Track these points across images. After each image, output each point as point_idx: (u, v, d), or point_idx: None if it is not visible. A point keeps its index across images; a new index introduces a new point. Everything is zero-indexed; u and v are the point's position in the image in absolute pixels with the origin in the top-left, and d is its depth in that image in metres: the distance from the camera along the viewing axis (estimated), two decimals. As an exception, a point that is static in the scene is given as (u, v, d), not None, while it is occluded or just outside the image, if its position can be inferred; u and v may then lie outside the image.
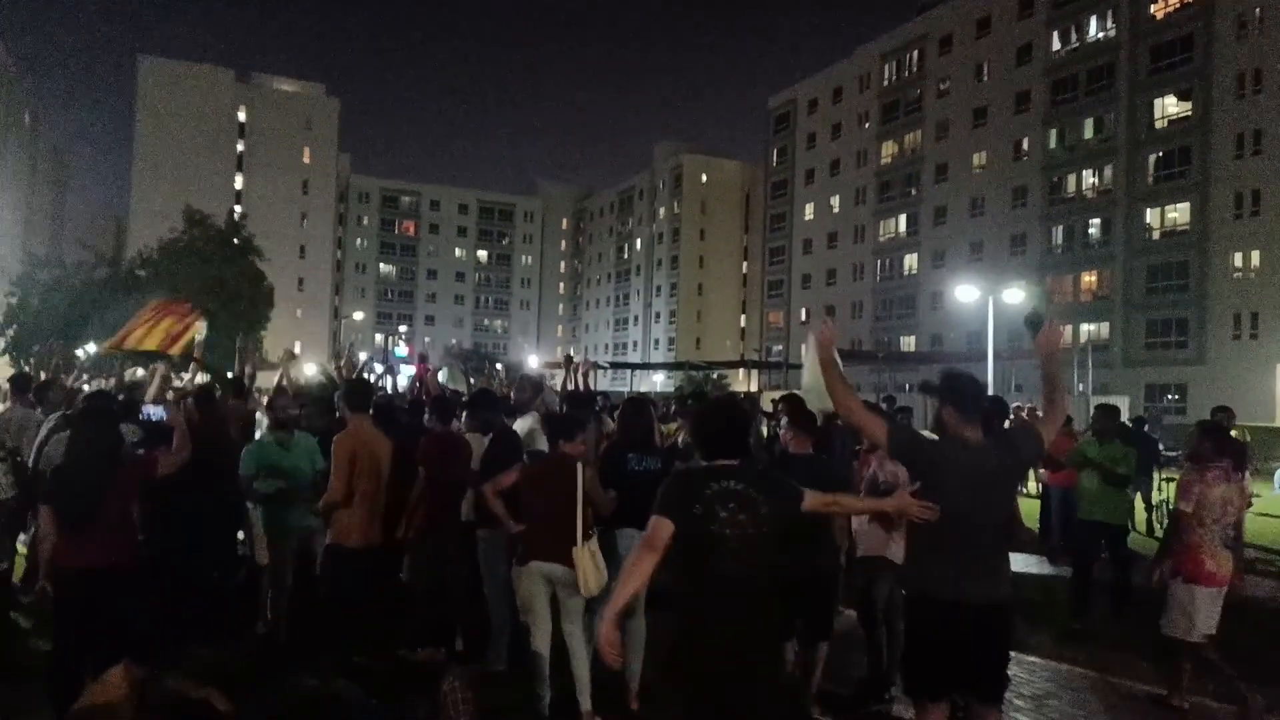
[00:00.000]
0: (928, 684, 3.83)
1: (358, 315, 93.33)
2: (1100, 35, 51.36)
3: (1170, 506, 7.88)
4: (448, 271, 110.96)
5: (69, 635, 4.62)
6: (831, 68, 73.97)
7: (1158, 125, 47.93)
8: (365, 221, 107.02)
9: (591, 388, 9.66)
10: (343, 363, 9.88)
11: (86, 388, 9.87)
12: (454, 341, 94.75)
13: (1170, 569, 5.69)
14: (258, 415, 8.07)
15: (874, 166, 68.23)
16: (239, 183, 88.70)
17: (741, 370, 50.29)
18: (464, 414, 6.91)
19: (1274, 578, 10.33)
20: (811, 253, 74.64)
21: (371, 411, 6.16)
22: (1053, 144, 53.56)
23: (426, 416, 6.87)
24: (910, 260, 64.69)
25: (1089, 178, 51.70)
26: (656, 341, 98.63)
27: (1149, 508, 13.43)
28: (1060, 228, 53.10)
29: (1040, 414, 4.28)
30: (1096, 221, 51.07)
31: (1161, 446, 16.63)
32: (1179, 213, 46.90)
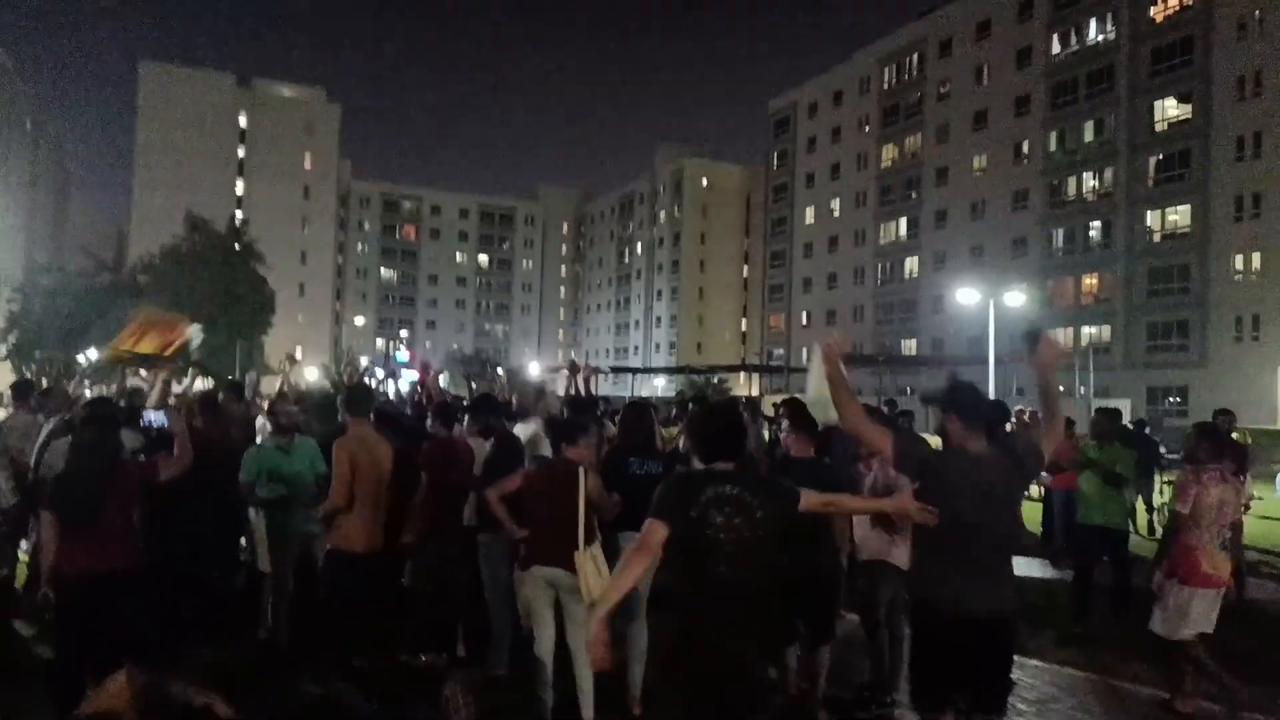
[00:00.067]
0: (933, 694, 3.84)
1: (359, 320, 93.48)
2: (1100, 38, 51.41)
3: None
4: (449, 276, 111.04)
5: (71, 641, 4.63)
6: (831, 71, 74.06)
7: (1158, 128, 47.95)
8: (366, 226, 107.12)
9: (593, 392, 9.65)
10: (345, 366, 9.91)
11: (88, 393, 9.87)
12: (455, 347, 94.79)
13: (1166, 570, 5.71)
14: (260, 421, 8.06)
15: (874, 170, 68.27)
16: (240, 188, 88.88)
17: (743, 374, 50.26)
18: (465, 418, 6.92)
19: (1276, 580, 10.31)
20: (812, 256, 74.65)
21: (373, 417, 6.17)
22: (1053, 147, 53.59)
23: (429, 421, 6.87)
24: (911, 264, 64.70)
25: (1089, 180, 51.71)
26: (658, 346, 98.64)
27: (1150, 510, 13.43)
28: (1061, 230, 53.11)
29: (1040, 416, 4.29)
30: (1097, 224, 51.07)
31: (1163, 449, 16.62)
32: (1180, 215, 46.91)
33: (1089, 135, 51.66)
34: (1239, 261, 43.78)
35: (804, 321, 74.69)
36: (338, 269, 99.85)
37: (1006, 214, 55.96)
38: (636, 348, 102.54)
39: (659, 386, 62.43)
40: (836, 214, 72.37)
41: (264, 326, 46.95)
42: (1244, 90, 43.54)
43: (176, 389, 7.99)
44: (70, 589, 4.56)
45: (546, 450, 6.29)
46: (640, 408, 6.25)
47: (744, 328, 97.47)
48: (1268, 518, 14.67)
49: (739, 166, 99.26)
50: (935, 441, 5.28)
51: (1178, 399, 44.76)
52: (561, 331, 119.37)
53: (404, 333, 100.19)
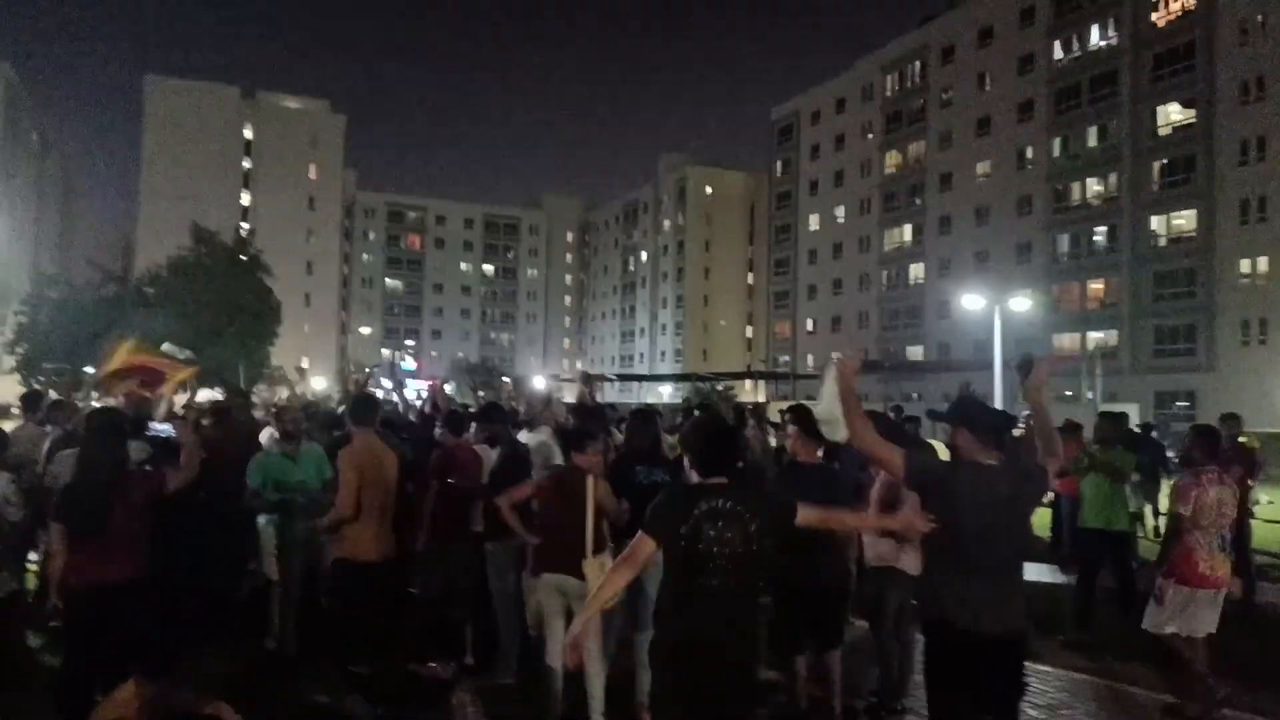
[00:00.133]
0: (947, 710, 3.85)
1: (365, 330, 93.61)
2: (1102, 44, 51.42)
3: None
4: (454, 286, 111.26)
5: (79, 651, 4.63)
6: (834, 79, 74.21)
7: (1162, 133, 47.92)
8: (371, 237, 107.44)
9: (590, 399, 9.66)
10: (354, 375, 9.95)
11: (95, 404, 9.89)
12: (460, 355, 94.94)
13: (1166, 570, 5.77)
14: (267, 430, 8.08)
15: (878, 176, 68.31)
16: (246, 199, 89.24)
17: (748, 381, 50.27)
18: (472, 427, 6.93)
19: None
20: (817, 263, 74.67)
21: (378, 426, 6.18)
22: (1057, 152, 53.58)
23: (437, 429, 6.89)
24: (916, 270, 64.67)
25: (1094, 186, 51.68)
26: (663, 353, 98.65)
27: (1157, 515, 13.36)
28: (1066, 236, 53.05)
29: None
30: (1102, 229, 51.02)
31: (1171, 454, 16.55)
32: (1185, 220, 46.85)
33: (1093, 140, 51.64)
34: (1245, 265, 43.69)
35: (809, 328, 74.68)
36: (343, 279, 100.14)
37: (1011, 219, 55.92)
38: (642, 355, 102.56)
39: (665, 394, 62.38)
40: (841, 220, 72.39)
41: (270, 337, 47.00)
42: (1247, 94, 43.50)
43: (180, 400, 8.02)
44: (79, 599, 4.56)
45: (557, 458, 6.30)
46: (646, 415, 6.24)
47: (749, 334, 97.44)
48: (1276, 522, 14.58)
49: (743, 174, 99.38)
50: (943, 450, 5.27)
51: (1185, 403, 44.61)
52: (567, 340, 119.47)
53: (410, 342, 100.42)
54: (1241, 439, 9.98)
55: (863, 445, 4.07)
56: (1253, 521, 9.50)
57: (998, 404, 21.53)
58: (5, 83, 76.52)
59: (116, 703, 3.70)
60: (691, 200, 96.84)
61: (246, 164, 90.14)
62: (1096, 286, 51.57)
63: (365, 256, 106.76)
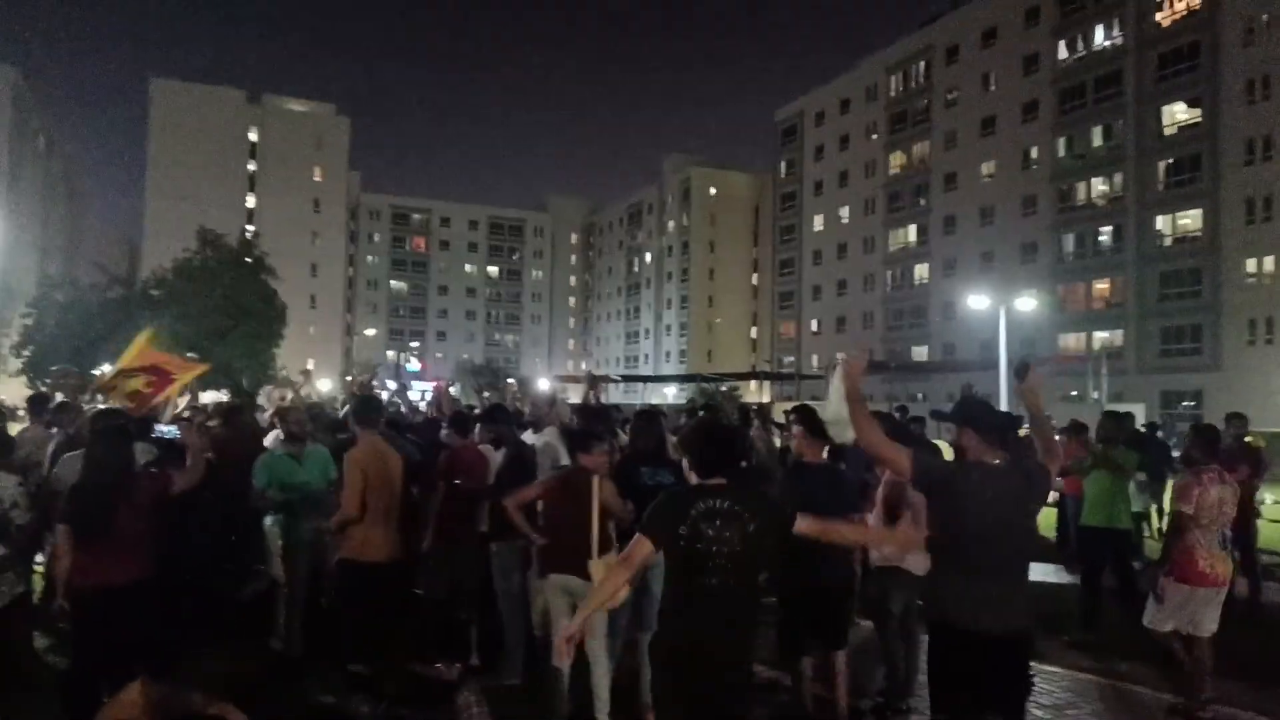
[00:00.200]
0: (948, 710, 3.87)
1: (370, 332, 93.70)
2: (1107, 43, 51.31)
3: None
4: (459, 287, 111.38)
5: (86, 652, 4.64)
6: (838, 79, 74.15)
7: (1167, 132, 47.80)
8: (376, 239, 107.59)
9: (598, 400, 9.67)
10: (357, 378, 9.97)
11: (101, 406, 9.92)
12: (465, 357, 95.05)
13: (1166, 569, 5.82)
14: (272, 433, 8.09)
15: (882, 177, 68.25)
16: (251, 202, 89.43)
17: (754, 381, 50.22)
18: (476, 428, 6.94)
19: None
20: (821, 264, 74.61)
21: (383, 427, 6.19)
22: (1062, 152, 53.46)
23: (444, 431, 6.90)
24: (921, 270, 64.59)
25: (1099, 185, 51.56)
26: (668, 354, 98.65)
27: (1162, 514, 13.33)
28: (1071, 236, 52.94)
29: (1054, 423, 4.32)
30: (1107, 229, 50.90)
31: (1176, 453, 16.51)
32: (1191, 219, 46.72)
33: (1097, 140, 51.53)
34: (1251, 265, 43.55)
35: (814, 328, 74.63)
36: (348, 281, 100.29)
37: (1016, 219, 55.82)
38: (647, 356, 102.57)
39: (669, 394, 62.38)
40: (845, 221, 72.34)
41: (275, 339, 47.04)
42: (1253, 93, 43.38)
43: (183, 402, 8.04)
44: (85, 601, 4.58)
45: (563, 459, 6.31)
46: (651, 416, 6.25)
47: (754, 335, 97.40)
48: (1282, 522, 14.53)
49: (747, 175, 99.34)
50: (948, 451, 5.28)
51: (1191, 403, 44.49)
52: (571, 341, 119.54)
53: (415, 344, 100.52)
54: (1247, 439, 9.97)
55: (869, 445, 4.09)
56: (1259, 521, 9.48)
57: (1002, 405, 21.50)
58: (11, 86, 76.74)
59: (123, 703, 3.71)
60: (696, 201, 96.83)
61: (251, 166, 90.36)
62: (1102, 286, 51.46)
63: (370, 258, 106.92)
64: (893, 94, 67.99)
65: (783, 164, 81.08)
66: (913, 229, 65.44)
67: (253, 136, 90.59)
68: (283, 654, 6.33)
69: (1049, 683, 6.23)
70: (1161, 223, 48.05)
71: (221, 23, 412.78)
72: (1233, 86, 44.16)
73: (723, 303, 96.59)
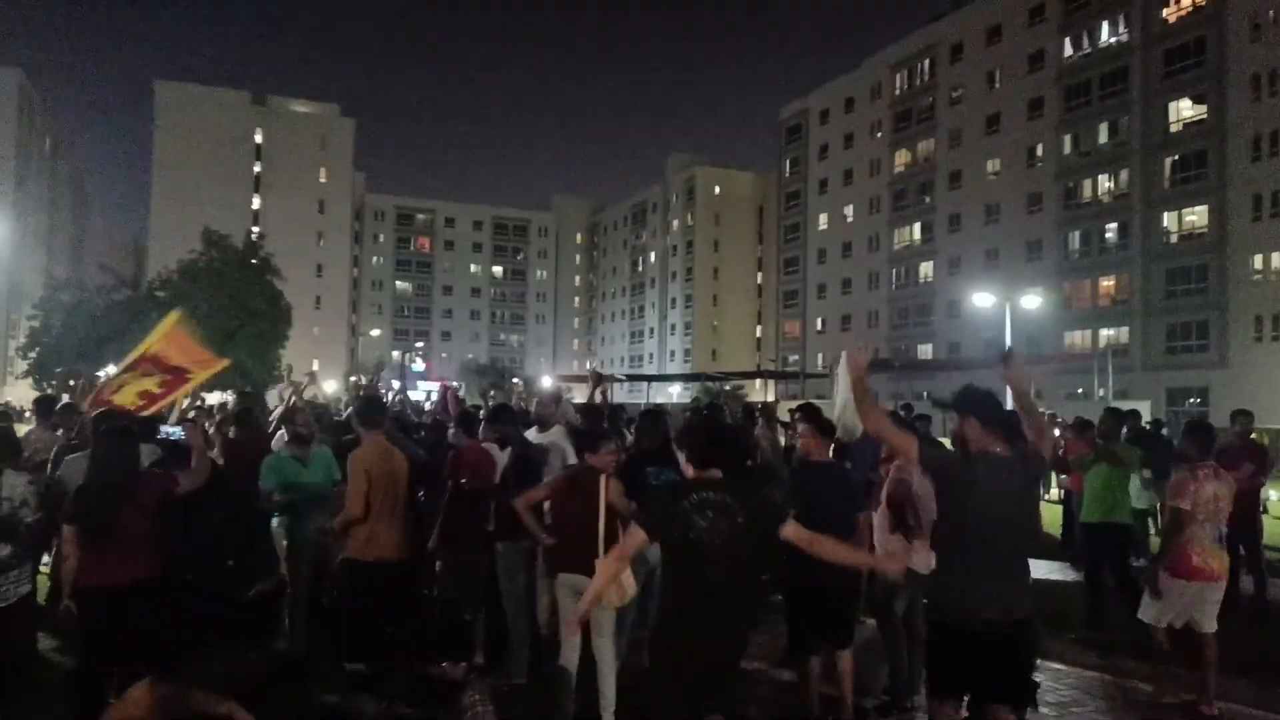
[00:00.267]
0: (944, 686, 3.93)
1: (375, 332, 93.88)
2: (1113, 40, 51.18)
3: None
4: (463, 287, 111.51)
5: (93, 653, 4.66)
6: (842, 78, 74.05)
7: (1173, 129, 47.66)
8: (381, 239, 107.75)
9: (609, 400, 9.69)
10: (360, 380, 9.97)
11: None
12: (470, 357, 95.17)
13: (1163, 564, 5.87)
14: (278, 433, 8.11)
15: (887, 175, 68.15)
16: (256, 203, 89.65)
17: (758, 380, 50.16)
18: (482, 428, 6.95)
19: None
20: (826, 262, 74.54)
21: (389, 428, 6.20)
22: (1067, 149, 53.34)
23: (451, 431, 6.91)
24: (926, 268, 64.49)
25: (1105, 182, 51.43)
26: (672, 353, 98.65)
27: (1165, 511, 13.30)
28: (1077, 233, 52.81)
29: (1060, 420, 4.35)
30: (1113, 226, 50.77)
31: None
32: (1197, 216, 46.59)
33: (1103, 137, 51.41)
34: (1258, 261, 43.42)
35: (819, 327, 74.56)
36: (353, 281, 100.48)
37: (1021, 217, 55.71)
38: (651, 355, 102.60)
39: (674, 394, 62.36)
40: (850, 219, 72.25)
41: (281, 340, 47.19)
42: (1259, 89, 43.23)
43: (186, 403, 8.06)
44: (91, 601, 4.59)
45: (571, 458, 6.32)
46: (655, 415, 6.27)
47: (759, 334, 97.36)
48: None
49: (751, 173, 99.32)
50: (949, 446, 5.27)
51: (1198, 400, 44.38)
52: (576, 341, 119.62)
53: (419, 344, 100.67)
54: (1253, 435, 9.94)
55: (877, 430, 4.16)
56: (1264, 517, 9.46)
57: (1007, 403, 21.45)
58: (17, 88, 77.03)
59: (129, 702, 3.73)
60: (700, 200, 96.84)
61: (257, 168, 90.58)
62: (1108, 283, 51.33)
63: (375, 259, 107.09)
64: (897, 92, 67.89)
65: (787, 163, 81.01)
66: (917, 227, 65.34)
67: (258, 138, 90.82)
68: (289, 654, 6.35)
69: (1054, 680, 6.22)
70: (1168, 219, 47.93)
71: (226, 25, 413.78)
72: (1239, 82, 44.01)
73: (727, 302, 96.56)
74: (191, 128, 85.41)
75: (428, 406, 11.65)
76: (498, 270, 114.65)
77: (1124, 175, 50.02)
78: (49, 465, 7.05)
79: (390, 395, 10.88)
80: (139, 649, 4.51)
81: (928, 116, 64.42)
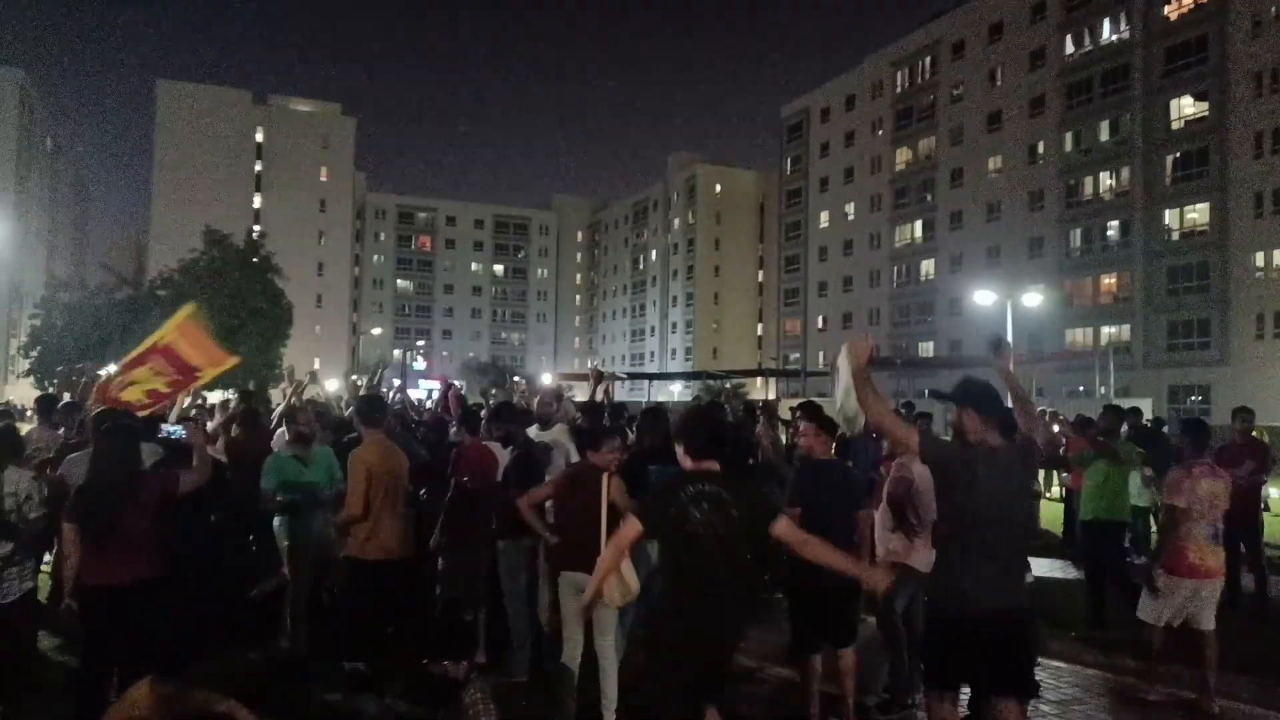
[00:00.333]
0: (942, 681, 3.96)
1: (376, 331, 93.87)
2: (1114, 38, 51.12)
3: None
4: (464, 286, 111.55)
5: (95, 651, 4.66)
6: (843, 76, 74.00)
7: (1175, 126, 47.61)
8: (382, 238, 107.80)
9: (611, 398, 9.68)
10: (360, 381, 9.95)
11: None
12: (471, 355, 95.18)
13: (1159, 562, 5.90)
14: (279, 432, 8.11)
15: (888, 173, 68.11)
16: (257, 202, 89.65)
17: (759, 378, 50.16)
18: (483, 426, 6.96)
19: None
20: (827, 260, 74.52)
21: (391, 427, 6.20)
22: (1069, 147, 53.29)
23: (453, 430, 6.91)
24: (927, 266, 64.46)
25: (1106, 180, 51.39)
26: (674, 351, 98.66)
27: (1165, 509, 13.28)
28: (1078, 230, 52.78)
29: (1062, 417, 4.37)
30: (1115, 223, 50.74)
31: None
32: (1198, 213, 46.54)
33: (1105, 135, 51.36)
34: (1259, 259, 43.39)
35: (820, 325, 74.54)
36: (354, 280, 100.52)
37: (1023, 215, 55.66)
38: (652, 354, 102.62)
39: (675, 392, 62.36)
40: (851, 217, 72.22)
41: (282, 339, 47.20)
42: (1261, 86, 43.18)
43: (187, 401, 8.05)
44: (92, 600, 4.60)
45: (574, 455, 6.32)
46: (657, 413, 6.27)
47: (760, 332, 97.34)
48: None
49: (752, 172, 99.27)
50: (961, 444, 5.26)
51: (1199, 398, 44.36)
52: (577, 339, 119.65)
53: (421, 342, 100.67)
54: (1254, 433, 9.92)
55: (878, 420, 4.16)
56: (1265, 515, 9.45)
57: (1007, 400, 21.43)
58: (18, 88, 77.09)
59: (131, 702, 3.73)
60: (701, 199, 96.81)
61: (258, 167, 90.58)
62: (1109, 281, 51.30)
63: (376, 258, 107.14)
64: (898, 90, 67.83)
65: (788, 161, 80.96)
66: (919, 225, 65.30)
67: (259, 137, 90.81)
68: (291, 653, 6.35)
69: (1055, 678, 6.22)
70: (1169, 217, 47.89)
71: (227, 24, 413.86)
72: (1241, 80, 43.97)
73: (728, 300, 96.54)
74: (193, 127, 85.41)
75: (428, 405, 11.65)
76: (499, 269, 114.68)
77: (1125, 173, 49.98)
78: (50, 464, 7.05)
79: (390, 394, 10.87)
80: (140, 648, 4.51)
81: (929, 114, 64.37)
